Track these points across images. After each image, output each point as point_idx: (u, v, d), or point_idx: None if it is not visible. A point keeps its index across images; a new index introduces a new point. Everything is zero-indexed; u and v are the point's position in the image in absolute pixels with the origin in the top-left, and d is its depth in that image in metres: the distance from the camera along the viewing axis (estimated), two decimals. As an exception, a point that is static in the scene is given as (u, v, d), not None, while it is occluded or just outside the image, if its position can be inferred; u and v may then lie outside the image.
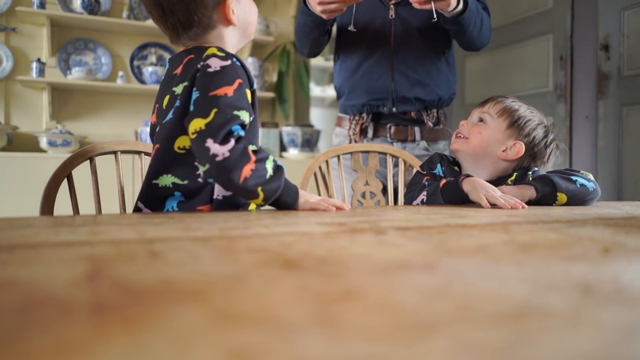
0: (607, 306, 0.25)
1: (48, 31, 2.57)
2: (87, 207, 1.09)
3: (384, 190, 1.42)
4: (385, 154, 1.39)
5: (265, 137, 2.92)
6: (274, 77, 3.16)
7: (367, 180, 1.39)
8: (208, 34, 0.84)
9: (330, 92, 4.45)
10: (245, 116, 0.75)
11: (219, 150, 0.69)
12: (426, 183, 1.07)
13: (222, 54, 0.78)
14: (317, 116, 4.46)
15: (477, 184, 0.94)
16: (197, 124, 0.71)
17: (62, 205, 0.99)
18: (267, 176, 0.74)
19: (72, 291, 0.27)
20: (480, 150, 1.07)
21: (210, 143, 0.69)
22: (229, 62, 0.77)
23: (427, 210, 0.84)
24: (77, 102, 2.72)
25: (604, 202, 1.16)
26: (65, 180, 1.00)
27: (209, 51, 0.79)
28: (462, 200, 0.97)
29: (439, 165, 1.13)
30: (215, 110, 0.71)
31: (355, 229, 0.55)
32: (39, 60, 2.52)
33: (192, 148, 0.74)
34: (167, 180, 0.79)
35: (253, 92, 0.82)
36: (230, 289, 0.27)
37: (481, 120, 1.09)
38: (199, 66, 0.77)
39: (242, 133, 0.73)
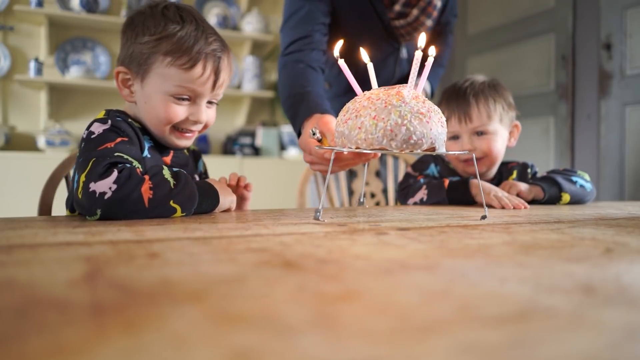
0: (609, 307, 0.25)
1: (46, 30, 2.57)
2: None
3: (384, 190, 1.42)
4: (385, 154, 1.39)
5: (265, 137, 2.91)
6: (274, 76, 3.15)
7: (367, 180, 1.39)
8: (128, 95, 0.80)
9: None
10: (132, 160, 0.68)
11: (103, 186, 0.60)
12: (422, 180, 1.07)
13: (104, 117, 0.74)
14: (317, 116, 4.44)
15: (483, 187, 0.96)
16: (80, 181, 0.63)
17: (60, 205, 0.99)
18: (172, 185, 0.65)
19: (70, 292, 0.26)
20: (500, 157, 1.09)
21: (92, 185, 0.61)
22: (107, 125, 0.71)
23: (428, 210, 0.84)
24: (75, 101, 2.72)
25: (606, 202, 1.16)
26: (64, 180, 1.00)
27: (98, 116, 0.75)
28: (469, 202, 0.99)
29: (432, 165, 1.14)
30: (93, 159, 0.64)
31: (355, 229, 0.54)
32: (36, 59, 2.52)
33: (79, 207, 0.64)
34: None
35: (141, 160, 0.72)
36: (229, 289, 0.27)
37: (481, 133, 1.06)
38: (84, 135, 0.71)
39: (128, 165, 0.65)
